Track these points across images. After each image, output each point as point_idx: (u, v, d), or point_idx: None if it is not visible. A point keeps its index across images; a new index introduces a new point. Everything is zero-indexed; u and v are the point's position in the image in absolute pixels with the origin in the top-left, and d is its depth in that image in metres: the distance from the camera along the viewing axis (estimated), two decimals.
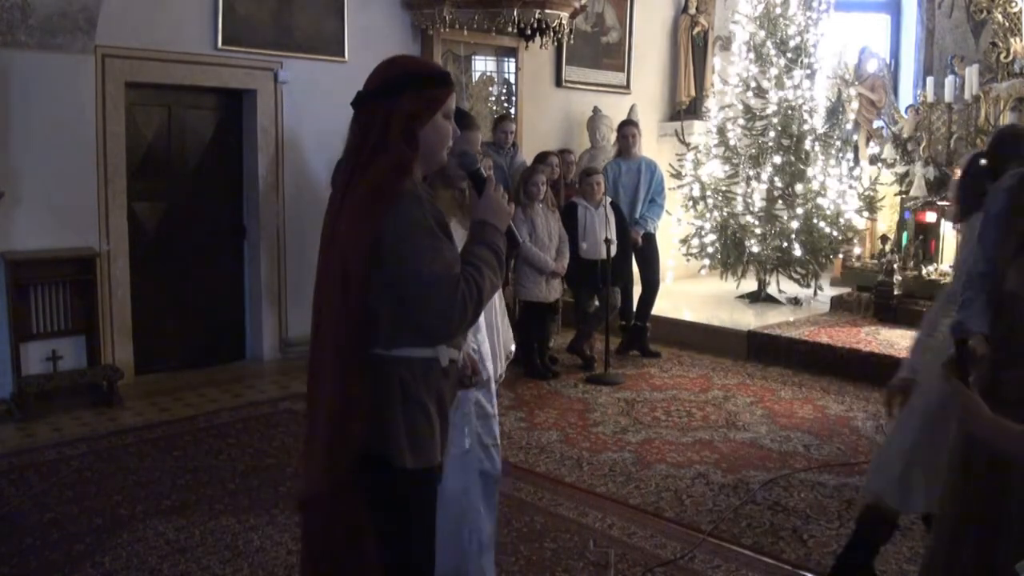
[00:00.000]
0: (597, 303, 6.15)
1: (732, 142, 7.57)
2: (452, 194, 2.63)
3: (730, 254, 7.57)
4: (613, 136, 7.58)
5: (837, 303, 7.31)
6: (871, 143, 8.59)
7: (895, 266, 6.96)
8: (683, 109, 8.94)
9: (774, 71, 7.45)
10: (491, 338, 2.81)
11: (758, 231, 7.37)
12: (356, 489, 1.90)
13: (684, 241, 7.82)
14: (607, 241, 5.85)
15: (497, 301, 2.90)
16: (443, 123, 1.97)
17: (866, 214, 7.60)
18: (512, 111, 7.42)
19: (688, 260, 7.96)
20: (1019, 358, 2.11)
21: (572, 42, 7.77)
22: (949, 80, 7.34)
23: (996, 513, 2.09)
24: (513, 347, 3.03)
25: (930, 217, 7.23)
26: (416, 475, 1.95)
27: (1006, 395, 2.06)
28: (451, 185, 2.61)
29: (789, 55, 7.48)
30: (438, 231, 1.88)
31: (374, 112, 1.92)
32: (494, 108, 7.44)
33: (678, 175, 7.80)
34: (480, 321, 2.71)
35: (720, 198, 7.56)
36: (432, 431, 1.97)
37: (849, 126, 7.80)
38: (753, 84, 7.53)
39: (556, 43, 7.46)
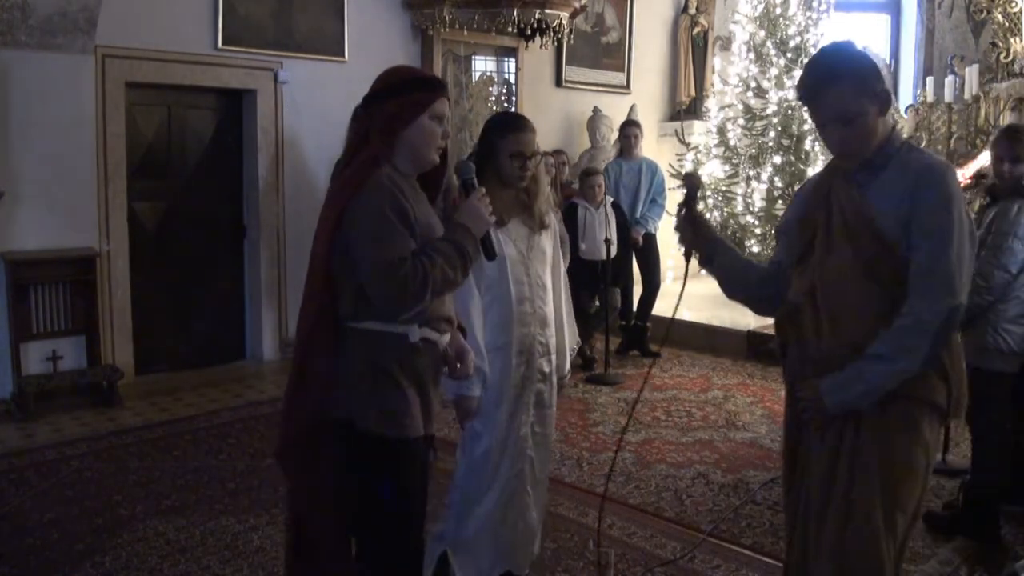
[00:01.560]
0: (597, 303, 6.15)
1: (732, 142, 7.57)
2: (513, 194, 2.73)
3: None
4: (613, 136, 7.58)
5: None
6: None
7: None
8: (683, 109, 8.94)
9: (774, 71, 7.46)
10: (559, 334, 2.90)
11: (758, 231, 7.37)
12: (323, 449, 2.12)
13: None
14: (607, 241, 5.85)
15: (565, 297, 2.97)
16: (428, 124, 2.13)
17: None
18: (512, 111, 7.42)
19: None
20: (807, 370, 2.09)
21: (572, 42, 7.77)
22: (949, 80, 7.33)
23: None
24: (576, 343, 3.09)
25: None
26: (388, 442, 2.10)
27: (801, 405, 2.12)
28: (510, 186, 2.70)
29: (789, 55, 7.48)
30: (394, 219, 2.02)
31: (367, 115, 2.15)
32: (494, 108, 7.44)
33: (678, 175, 7.79)
34: (549, 315, 2.82)
35: (720, 198, 7.56)
36: (406, 403, 2.11)
37: None
38: (753, 84, 7.54)
39: (556, 43, 7.46)
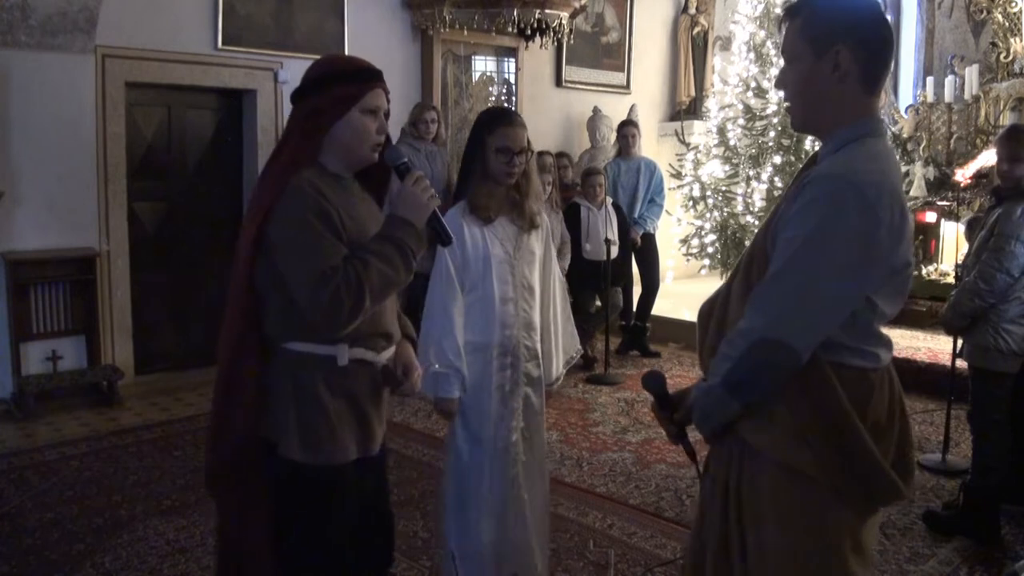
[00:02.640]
0: (599, 303, 6.15)
1: (732, 142, 7.57)
2: (504, 191, 2.64)
3: (730, 254, 7.56)
4: (613, 136, 7.58)
5: None
6: None
7: None
8: (683, 109, 8.95)
9: (774, 71, 7.45)
10: (547, 338, 2.80)
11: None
12: (252, 473, 1.98)
13: (684, 241, 7.82)
14: (607, 241, 5.86)
15: (559, 302, 2.85)
16: (359, 119, 1.97)
17: None
18: (503, 106, 7.41)
19: (688, 260, 7.96)
20: None
21: (572, 42, 7.77)
22: (949, 80, 7.33)
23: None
24: (576, 352, 2.98)
25: (930, 217, 7.22)
26: (309, 470, 1.96)
27: None
28: (499, 183, 2.62)
29: None
30: (318, 226, 1.86)
31: (295, 110, 2.00)
32: None
33: (678, 175, 7.80)
34: (535, 318, 2.73)
35: (720, 198, 7.56)
36: (332, 430, 1.96)
37: None
38: (753, 84, 7.53)
39: (556, 43, 7.46)
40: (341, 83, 1.96)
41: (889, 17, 10.18)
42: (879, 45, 1.62)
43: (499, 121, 2.61)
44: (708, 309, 1.78)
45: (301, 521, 2.00)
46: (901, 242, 1.56)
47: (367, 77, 1.99)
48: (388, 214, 1.98)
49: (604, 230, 5.97)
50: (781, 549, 1.60)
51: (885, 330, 1.67)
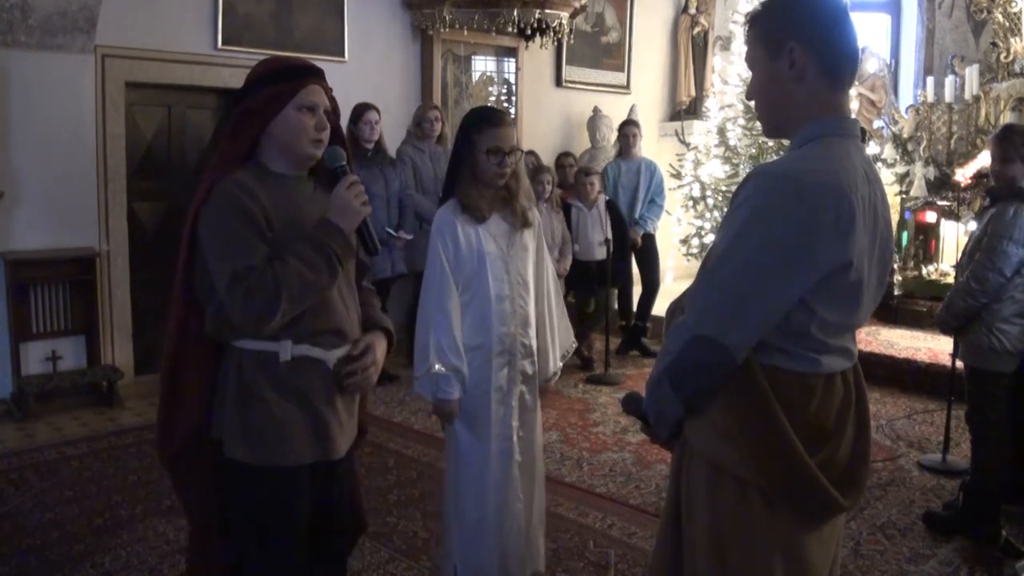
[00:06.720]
0: (595, 304, 6.14)
1: (732, 142, 7.56)
2: (493, 191, 2.62)
3: None
4: (613, 136, 7.58)
5: None
6: (871, 143, 8.58)
7: (895, 266, 6.96)
8: (683, 109, 8.95)
9: None
10: (543, 333, 2.77)
11: None
12: (199, 471, 2.00)
13: (684, 241, 7.81)
14: (607, 241, 5.84)
15: (553, 295, 2.82)
16: (295, 116, 1.96)
17: None
18: (512, 111, 7.41)
19: (688, 260, 7.94)
20: None
21: (572, 42, 7.77)
22: (949, 80, 7.33)
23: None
24: (571, 344, 2.94)
25: (930, 217, 7.22)
26: (254, 471, 1.92)
27: None
28: (489, 185, 2.60)
29: None
30: (237, 226, 1.86)
31: (231, 113, 2.03)
32: None
33: (678, 175, 7.79)
34: (531, 314, 2.69)
35: (720, 198, 7.55)
36: (278, 430, 1.92)
37: None
38: None
39: (556, 43, 7.46)
40: (273, 82, 1.96)
41: (889, 17, 10.18)
42: (834, 36, 1.59)
43: (488, 121, 2.56)
44: (676, 307, 1.78)
45: (247, 523, 1.98)
46: (845, 246, 1.49)
47: (301, 74, 1.99)
48: (320, 217, 1.96)
49: (595, 230, 5.93)
50: (708, 547, 1.59)
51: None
